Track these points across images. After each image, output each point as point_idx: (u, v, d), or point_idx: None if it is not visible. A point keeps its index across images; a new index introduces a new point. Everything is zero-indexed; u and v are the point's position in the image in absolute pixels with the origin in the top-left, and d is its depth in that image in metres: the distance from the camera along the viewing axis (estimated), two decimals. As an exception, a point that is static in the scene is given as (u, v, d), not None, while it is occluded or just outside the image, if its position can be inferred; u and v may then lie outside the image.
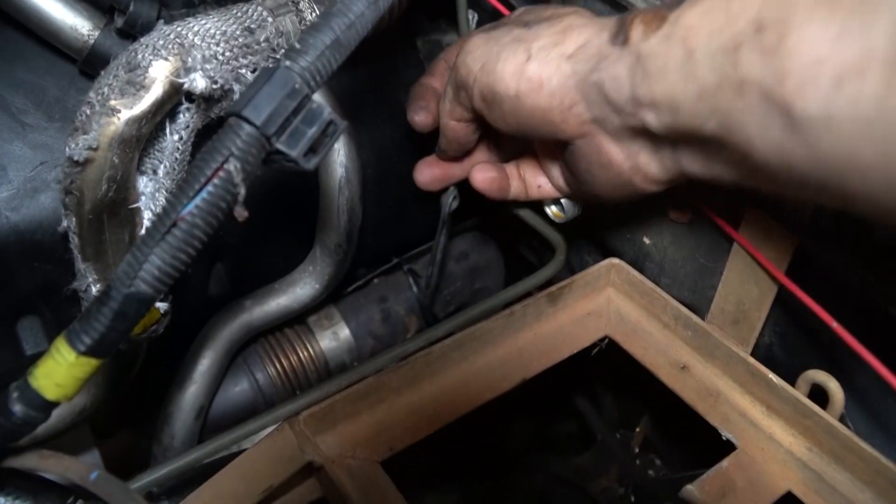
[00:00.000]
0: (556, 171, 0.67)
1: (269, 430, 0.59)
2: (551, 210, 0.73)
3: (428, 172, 0.72)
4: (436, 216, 0.80)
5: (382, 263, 0.86)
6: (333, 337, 0.81)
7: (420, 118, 0.68)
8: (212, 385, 0.73)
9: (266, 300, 0.73)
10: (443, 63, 0.72)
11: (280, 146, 0.43)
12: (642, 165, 0.54)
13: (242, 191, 0.43)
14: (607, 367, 0.84)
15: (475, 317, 0.69)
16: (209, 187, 0.42)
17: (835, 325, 0.52)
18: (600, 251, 0.81)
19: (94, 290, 0.58)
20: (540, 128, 0.56)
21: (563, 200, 0.71)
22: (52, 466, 0.45)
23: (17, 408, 0.42)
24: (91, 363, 0.42)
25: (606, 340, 0.70)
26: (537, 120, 0.55)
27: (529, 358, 0.67)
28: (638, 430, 0.90)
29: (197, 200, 0.42)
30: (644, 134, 0.51)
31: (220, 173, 0.42)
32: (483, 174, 0.68)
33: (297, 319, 0.80)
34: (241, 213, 0.44)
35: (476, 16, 0.85)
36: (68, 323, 0.58)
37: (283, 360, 0.79)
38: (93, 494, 0.45)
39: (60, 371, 0.42)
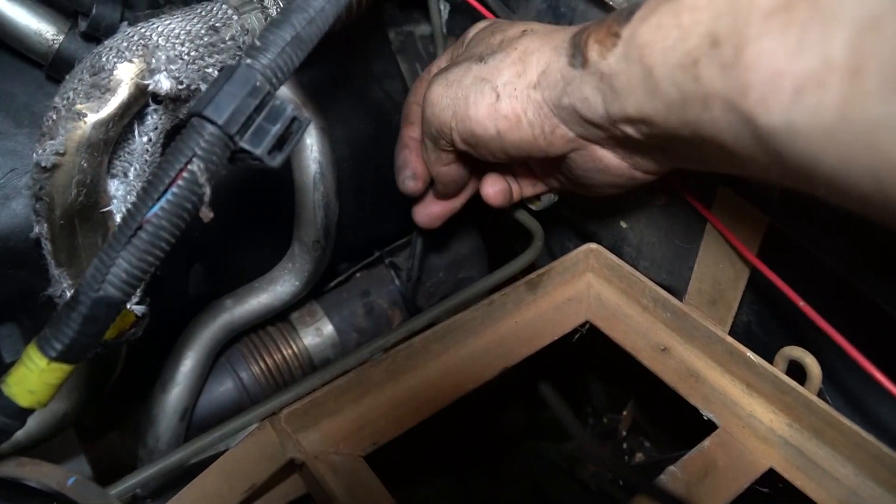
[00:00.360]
0: (552, 179, 0.67)
1: (252, 428, 0.59)
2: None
3: (426, 214, 0.72)
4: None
5: (364, 257, 0.86)
6: (317, 333, 0.81)
7: (410, 186, 0.68)
8: (195, 386, 0.73)
9: (247, 299, 0.73)
10: (413, 107, 0.70)
11: (244, 144, 0.43)
12: (640, 163, 0.55)
13: (208, 191, 0.42)
14: (593, 352, 0.85)
15: (456, 306, 0.69)
16: (174, 189, 0.41)
17: (801, 303, 0.52)
18: (579, 236, 0.81)
19: (69, 295, 0.57)
20: (530, 153, 0.56)
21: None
22: (30, 473, 0.45)
23: (-11, 415, 0.42)
24: (63, 369, 0.42)
25: (587, 326, 0.70)
26: (525, 149, 0.56)
27: (511, 346, 0.67)
28: (625, 413, 0.91)
29: (162, 202, 0.41)
30: (631, 141, 0.51)
31: (184, 174, 0.42)
32: (495, 188, 0.68)
33: (280, 317, 0.80)
34: (206, 213, 0.44)
35: (448, 6, 0.85)
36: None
37: (266, 359, 0.79)
38: (72, 500, 0.45)
39: (32, 378, 0.42)
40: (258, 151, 0.43)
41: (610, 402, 0.95)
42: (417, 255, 0.80)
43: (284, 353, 0.79)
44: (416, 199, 0.72)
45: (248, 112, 0.43)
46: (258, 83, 0.43)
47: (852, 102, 0.33)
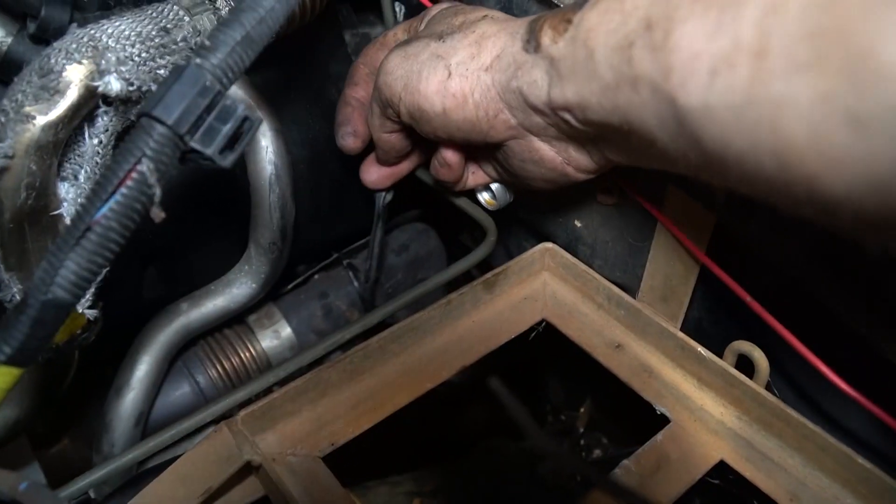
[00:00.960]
0: (489, 166, 0.69)
1: (209, 431, 0.58)
2: (483, 198, 0.74)
3: (375, 172, 0.73)
4: (374, 209, 0.81)
5: (322, 259, 0.86)
6: (275, 335, 0.81)
7: (349, 143, 0.70)
8: (151, 390, 0.72)
9: (203, 302, 0.73)
10: (361, 68, 0.72)
11: (194, 144, 0.43)
12: (572, 158, 0.57)
13: (158, 191, 0.42)
14: (549, 349, 0.86)
15: (411, 302, 0.70)
16: (123, 189, 0.41)
17: (748, 298, 0.54)
18: (535, 236, 0.82)
19: (15, 291, 0.56)
20: (470, 136, 0.58)
21: (494, 187, 0.72)
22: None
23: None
24: (12, 373, 0.42)
25: (544, 324, 0.71)
26: (466, 130, 0.57)
27: (468, 345, 0.67)
28: (582, 410, 0.92)
29: (111, 203, 0.41)
30: (568, 131, 0.53)
31: (134, 175, 0.41)
32: (455, 157, 0.66)
33: (237, 319, 0.80)
34: (157, 213, 0.43)
35: (403, 8, 0.86)
36: None
37: (224, 362, 0.78)
38: (22, 506, 0.44)
39: (-21, 383, 0.41)
40: (209, 151, 0.43)
41: (567, 400, 0.96)
42: (375, 256, 0.80)
43: (242, 356, 0.79)
44: (361, 160, 0.73)
45: (198, 112, 0.43)
46: (208, 83, 0.43)
47: (758, 82, 0.34)
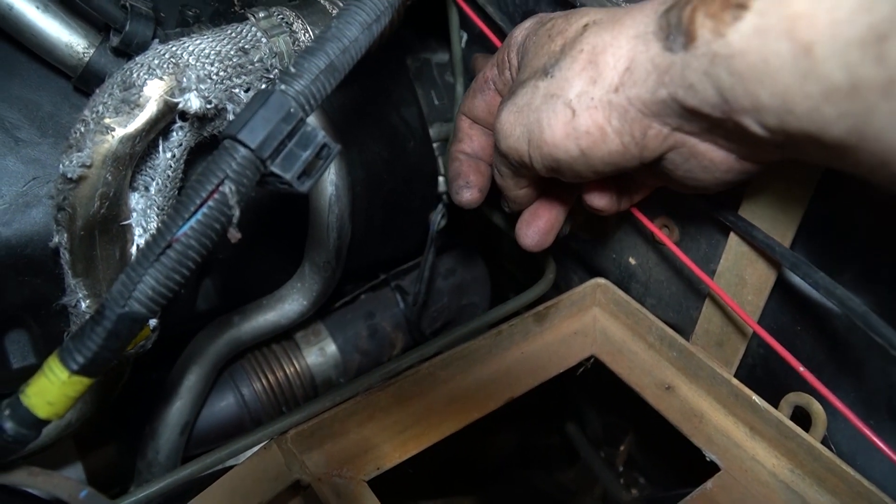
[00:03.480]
0: (649, 182, 0.60)
1: (257, 448, 0.59)
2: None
3: (535, 231, 0.64)
4: (423, 233, 0.81)
5: (370, 279, 0.87)
6: (320, 352, 0.81)
7: (466, 196, 0.66)
8: (197, 400, 0.73)
9: (254, 316, 0.73)
10: (462, 121, 0.67)
11: (275, 169, 0.44)
12: (750, 154, 0.47)
13: (237, 213, 0.43)
14: (593, 384, 0.85)
15: (463, 335, 0.70)
16: (204, 209, 0.42)
17: (801, 369, 0.53)
18: (586, 270, 0.82)
19: (84, 305, 0.58)
20: (621, 165, 0.49)
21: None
22: (42, 483, 0.45)
23: (9, 425, 0.42)
24: (83, 382, 0.42)
25: (592, 360, 0.71)
26: (615, 162, 0.49)
27: (516, 377, 0.67)
28: (622, 447, 0.91)
29: (192, 222, 0.42)
30: (747, 134, 0.43)
31: (216, 195, 0.42)
32: (602, 200, 0.59)
33: (285, 335, 0.80)
34: (234, 234, 0.44)
35: (466, 35, 0.86)
36: (56, 337, 0.59)
37: (269, 376, 0.79)
38: (81, 513, 0.45)
39: (53, 390, 0.42)
40: (288, 176, 0.44)
41: (607, 436, 0.95)
42: (425, 280, 0.80)
43: (287, 370, 0.79)
44: (513, 218, 0.67)
45: (280, 137, 0.44)
46: (292, 109, 0.44)
47: None
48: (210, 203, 0.42)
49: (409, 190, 0.80)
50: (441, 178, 0.84)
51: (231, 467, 0.57)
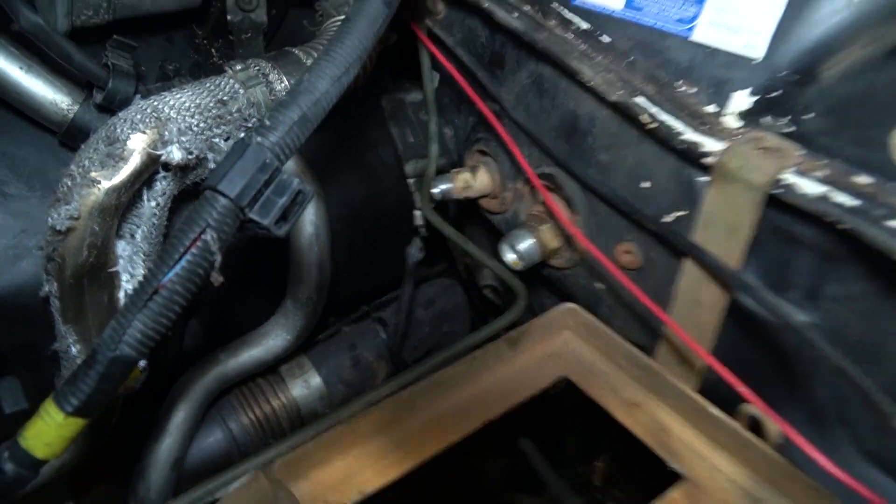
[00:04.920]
0: None
1: (244, 478, 0.61)
2: (510, 259, 0.77)
3: None
4: (402, 265, 0.84)
5: (351, 312, 0.90)
6: (305, 385, 0.84)
7: None
8: (186, 437, 0.76)
9: (239, 352, 0.76)
10: None
11: (253, 216, 0.47)
12: None
13: (219, 258, 0.46)
14: (569, 405, 0.88)
15: (441, 362, 0.73)
16: (188, 256, 0.45)
17: (743, 390, 0.57)
18: (557, 295, 0.85)
19: (75, 350, 0.60)
20: None
21: (521, 248, 0.76)
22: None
23: (9, 467, 0.45)
24: (78, 423, 0.45)
25: (565, 381, 0.74)
26: None
27: (492, 400, 0.70)
28: (598, 464, 0.94)
29: (176, 269, 0.45)
30: None
31: (198, 243, 0.45)
32: None
33: (270, 369, 0.83)
34: (216, 278, 0.47)
35: (438, 75, 0.91)
36: (47, 382, 0.61)
37: (256, 410, 0.81)
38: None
39: (49, 431, 0.45)
40: (266, 222, 0.48)
41: (584, 454, 0.98)
42: (404, 311, 0.84)
43: (273, 404, 0.82)
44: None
45: (257, 186, 0.47)
46: (268, 160, 0.48)
47: None
48: (193, 251, 0.45)
49: (386, 225, 0.83)
50: (417, 213, 0.87)
51: (218, 499, 0.60)
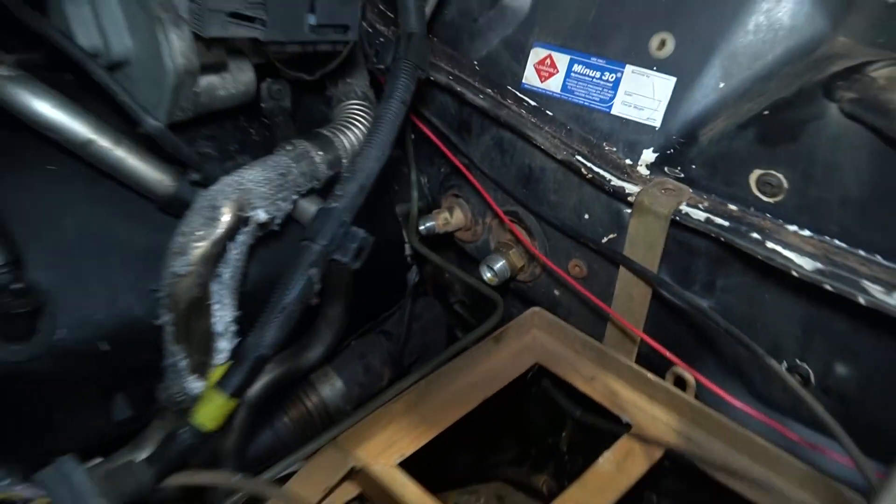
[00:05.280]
0: None
1: (315, 451, 0.82)
2: (487, 276, 1.02)
3: None
4: (395, 289, 1.07)
5: (359, 328, 1.12)
6: (331, 388, 1.05)
7: None
8: (247, 434, 0.96)
9: (285, 363, 0.97)
10: None
11: (336, 257, 0.70)
12: None
13: (318, 286, 0.69)
14: (539, 390, 1.12)
15: (443, 360, 0.96)
16: (300, 284, 0.68)
17: (668, 354, 0.82)
18: (524, 302, 1.10)
19: (182, 364, 0.80)
20: None
21: (496, 268, 1.00)
22: (207, 479, 0.68)
23: (186, 437, 0.65)
24: (233, 403, 0.66)
25: (536, 366, 0.98)
26: None
27: (486, 382, 0.94)
28: (564, 434, 1.18)
29: (294, 293, 0.67)
30: None
31: (306, 277, 0.68)
32: None
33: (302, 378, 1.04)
34: (314, 300, 0.70)
35: (414, 136, 1.15)
36: (148, 393, 0.81)
37: (294, 410, 1.02)
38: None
39: (215, 410, 0.66)
40: (346, 260, 0.70)
41: (551, 428, 1.22)
42: (405, 324, 1.06)
43: (307, 405, 1.03)
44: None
45: (338, 237, 0.70)
46: (344, 218, 0.70)
47: None
48: (303, 282, 0.68)
49: (385, 257, 1.06)
50: (406, 245, 1.11)
51: (296, 471, 0.80)
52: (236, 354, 0.67)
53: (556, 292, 1.03)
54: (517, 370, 0.97)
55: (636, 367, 0.90)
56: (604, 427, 1.00)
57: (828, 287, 0.69)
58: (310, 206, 0.89)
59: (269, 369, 0.97)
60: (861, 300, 0.67)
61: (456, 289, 1.28)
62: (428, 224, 1.09)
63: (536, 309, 1.00)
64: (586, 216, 0.92)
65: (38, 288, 0.72)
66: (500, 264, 1.02)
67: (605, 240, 0.90)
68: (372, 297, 1.10)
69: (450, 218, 1.09)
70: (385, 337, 1.11)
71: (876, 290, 0.67)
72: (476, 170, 1.06)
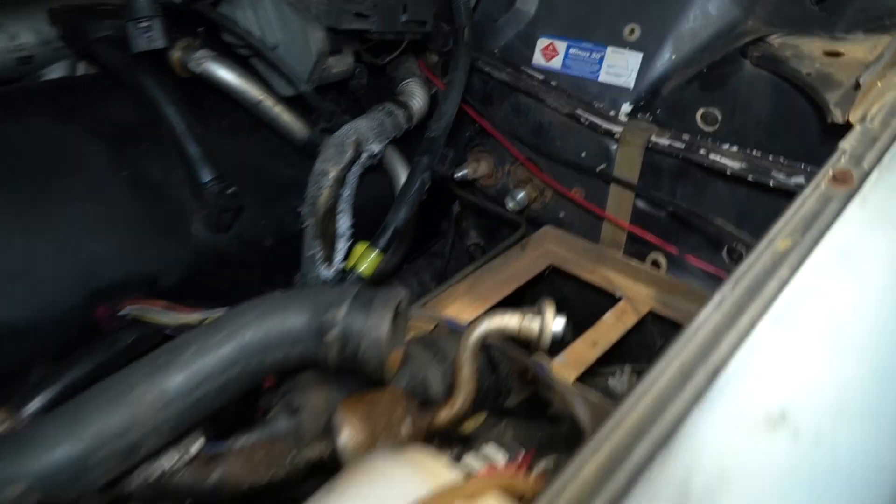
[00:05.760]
0: None
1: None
2: (510, 206, 1.40)
3: None
4: (437, 223, 1.44)
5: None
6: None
7: None
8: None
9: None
10: None
11: (436, 168, 1.07)
12: None
13: (429, 184, 1.06)
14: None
15: (486, 260, 1.33)
16: (418, 182, 1.04)
17: (650, 238, 1.22)
18: (536, 225, 1.48)
19: (319, 255, 1.15)
20: None
21: (517, 198, 1.38)
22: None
23: (354, 279, 1.01)
24: (381, 256, 1.02)
25: (550, 267, 1.36)
26: None
27: (519, 275, 1.31)
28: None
29: (414, 188, 1.04)
30: None
31: (421, 179, 1.05)
32: None
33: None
34: (423, 196, 1.07)
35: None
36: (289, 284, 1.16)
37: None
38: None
39: (372, 261, 1.01)
40: (441, 170, 1.08)
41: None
42: (450, 245, 1.43)
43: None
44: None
45: (437, 154, 1.07)
46: (438, 143, 1.08)
47: None
48: (419, 181, 1.05)
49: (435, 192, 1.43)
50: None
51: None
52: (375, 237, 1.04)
53: (562, 214, 1.41)
54: (538, 269, 1.34)
55: (624, 257, 1.29)
56: (604, 304, 1.38)
57: (750, 178, 1.09)
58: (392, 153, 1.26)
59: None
60: (770, 183, 1.07)
61: (472, 234, 1.65)
62: (461, 172, 1.46)
63: (548, 227, 1.38)
64: (584, 153, 1.31)
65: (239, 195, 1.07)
66: (520, 195, 1.40)
67: (598, 168, 1.29)
68: (425, 226, 1.46)
69: (477, 167, 1.47)
70: (434, 257, 1.48)
71: (780, 176, 1.07)
72: (498, 129, 1.44)
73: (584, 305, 1.49)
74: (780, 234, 0.65)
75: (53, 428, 0.64)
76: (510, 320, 0.74)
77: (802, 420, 0.50)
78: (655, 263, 1.28)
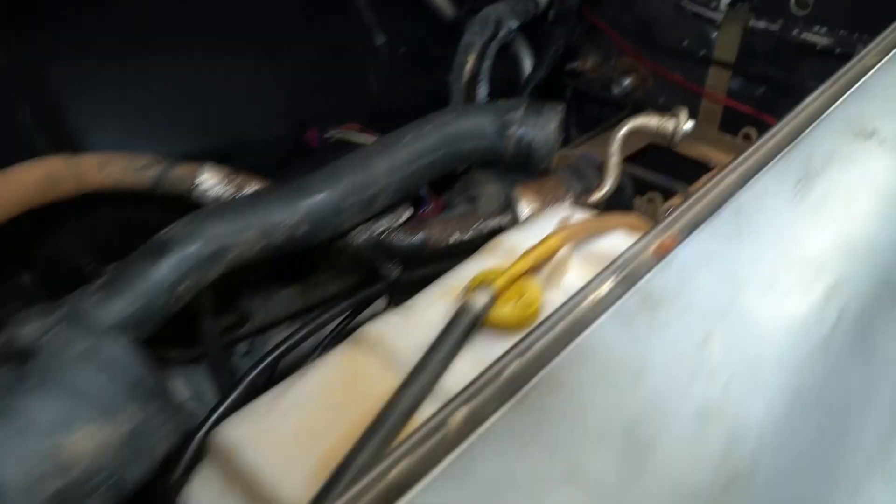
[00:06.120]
0: None
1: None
2: (616, 91, 1.60)
3: None
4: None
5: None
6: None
7: None
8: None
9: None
10: None
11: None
12: None
13: (562, 50, 1.27)
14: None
15: (593, 133, 1.54)
16: (557, 44, 1.26)
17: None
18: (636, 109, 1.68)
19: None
20: None
21: (624, 84, 1.59)
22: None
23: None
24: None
25: (650, 142, 1.56)
26: None
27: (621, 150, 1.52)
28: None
29: (552, 50, 1.26)
30: None
31: (557, 44, 1.27)
32: None
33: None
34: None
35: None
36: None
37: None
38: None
39: (516, 109, 1.24)
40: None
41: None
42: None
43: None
44: None
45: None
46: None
47: None
48: (556, 45, 1.26)
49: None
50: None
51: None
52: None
53: (662, 99, 1.61)
54: (638, 145, 1.55)
55: (718, 133, 1.49)
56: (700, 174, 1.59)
57: (837, 51, 1.27)
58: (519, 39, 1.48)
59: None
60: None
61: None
62: (571, 65, 1.67)
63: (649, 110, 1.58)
64: (685, 42, 1.51)
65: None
66: (626, 81, 1.60)
67: (700, 54, 1.49)
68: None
69: (586, 62, 1.68)
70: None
71: (862, 49, 1.25)
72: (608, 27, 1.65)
73: (683, 178, 1.70)
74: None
75: (319, 179, 0.88)
76: (650, 120, 0.96)
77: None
78: (747, 136, 1.48)
